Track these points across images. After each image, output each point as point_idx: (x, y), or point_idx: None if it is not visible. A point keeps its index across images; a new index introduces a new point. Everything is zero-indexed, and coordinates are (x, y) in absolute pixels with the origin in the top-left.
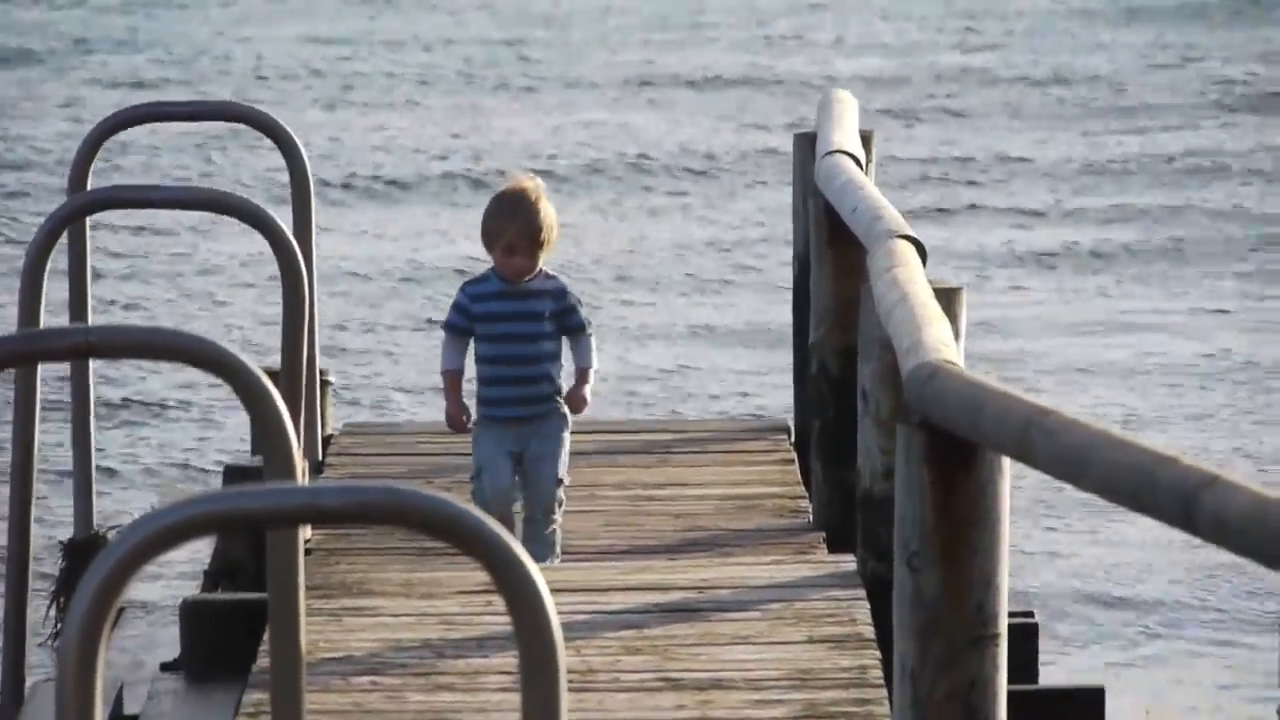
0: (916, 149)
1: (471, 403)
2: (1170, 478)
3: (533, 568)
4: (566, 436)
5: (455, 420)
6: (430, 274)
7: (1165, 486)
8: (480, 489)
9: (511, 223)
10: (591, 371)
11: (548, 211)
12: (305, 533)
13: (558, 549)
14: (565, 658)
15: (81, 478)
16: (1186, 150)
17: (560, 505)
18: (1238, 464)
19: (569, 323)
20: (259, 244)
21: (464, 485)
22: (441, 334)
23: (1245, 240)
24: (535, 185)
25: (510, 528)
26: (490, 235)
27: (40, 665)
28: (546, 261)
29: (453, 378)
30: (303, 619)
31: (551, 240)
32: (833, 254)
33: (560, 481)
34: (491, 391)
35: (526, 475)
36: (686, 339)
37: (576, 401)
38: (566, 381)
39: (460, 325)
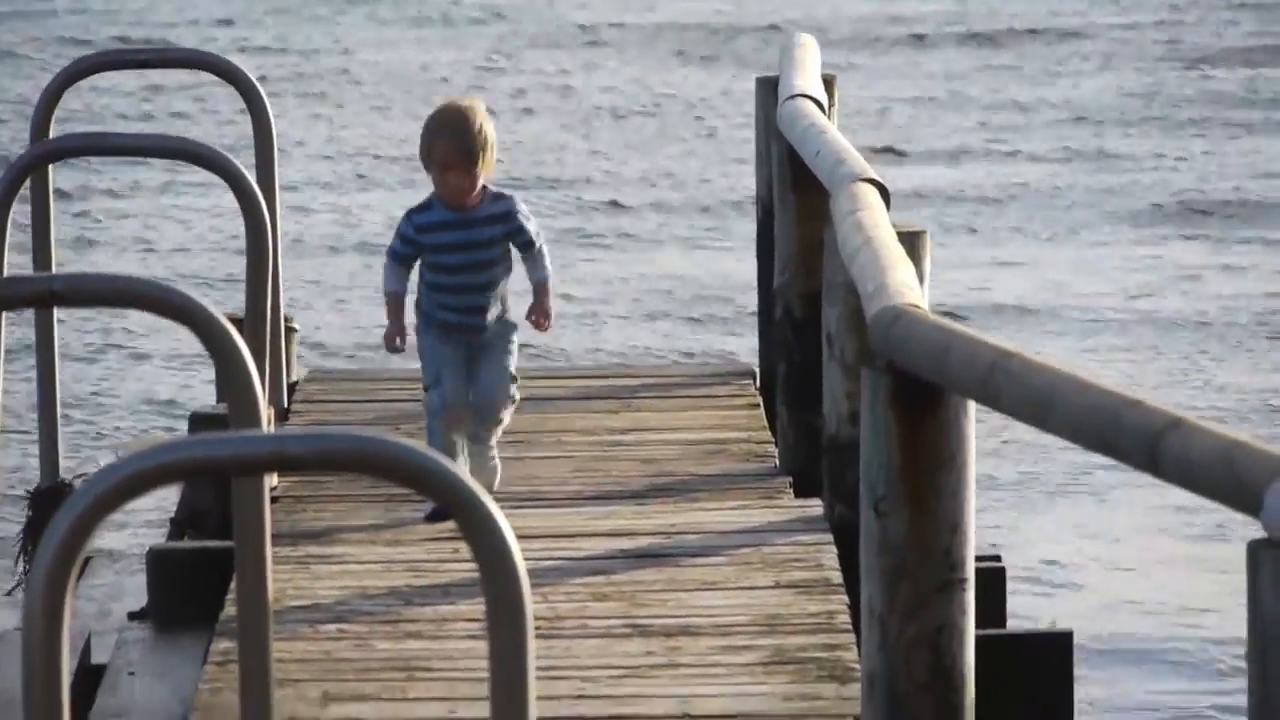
0: None
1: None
2: (1135, 420)
3: (499, 514)
4: (515, 340)
5: (389, 340)
6: None
7: (1130, 429)
8: (438, 393)
9: (446, 139)
10: (547, 284)
11: (485, 127)
12: (271, 480)
13: (499, 471)
14: (532, 605)
15: (46, 426)
16: None
17: (514, 404)
18: None
19: (520, 240)
20: (225, 194)
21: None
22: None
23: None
24: (473, 102)
25: (456, 436)
26: (426, 153)
27: (8, 614)
28: (487, 178)
29: (395, 298)
30: (269, 567)
31: (489, 157)
32: (796, 198)
33: (514, 378)
34: (438, 309)
35: (475, 376)
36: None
37: (538, 319)
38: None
39: (405, 253)
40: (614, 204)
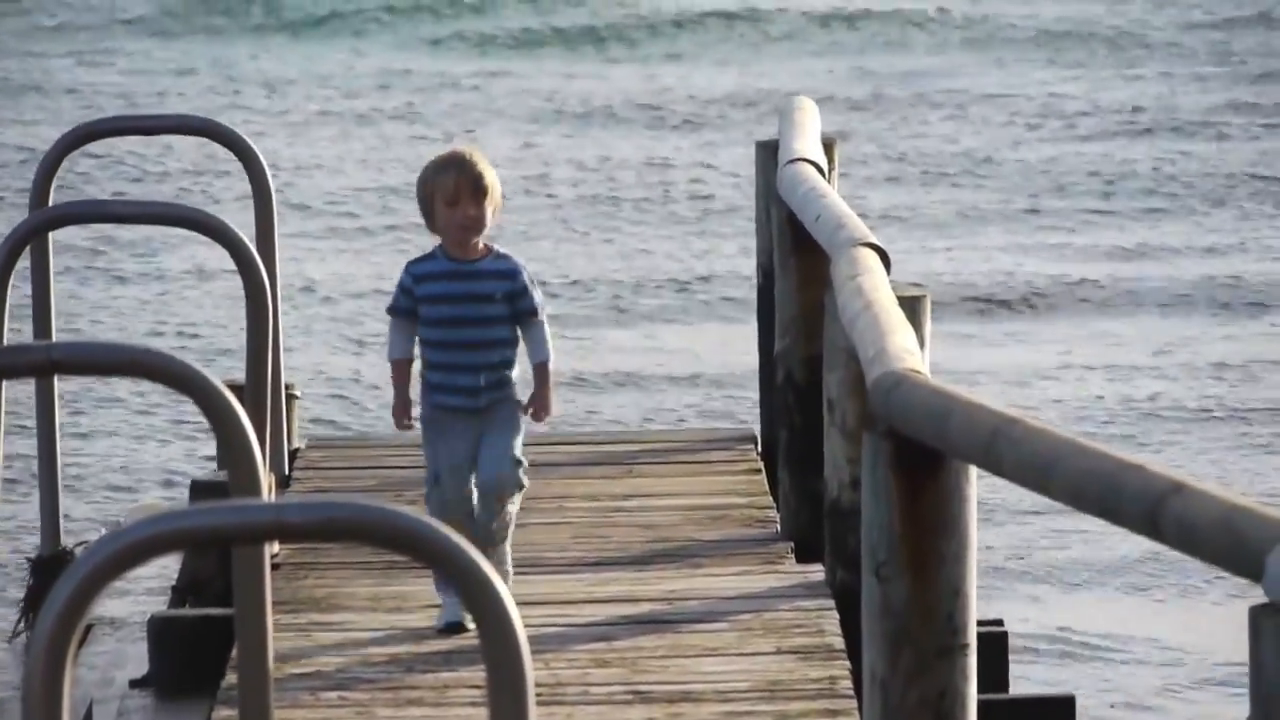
0: None
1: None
2: (1136, 485)
3: (500, 583)
4: (521, 421)
5: (397, 417)
6: None
7: (1131, 494)
8: (437, 496)
9: (454, 174)
10: (550, 367)
11: (490, 171)
12: (272, 548)
13: (509, 565)
14: (533, 672)
15: (48, 494)
16: None
17: (520, 490)
18: None
19: (521, 306)
20: (224, 258)
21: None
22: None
23: None
24: (473, 148)
25: (467, 536)
26: (429, 195)
27: (10, 682)
28: (492, 234)
29: (400, 366)
30: (270, 634)
31: (496, 196)
32: (796, 262)
33: (519, 462)
34: (438, 377)
35: (482, 474)
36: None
37: (540, 408)
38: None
39: (405, 307)
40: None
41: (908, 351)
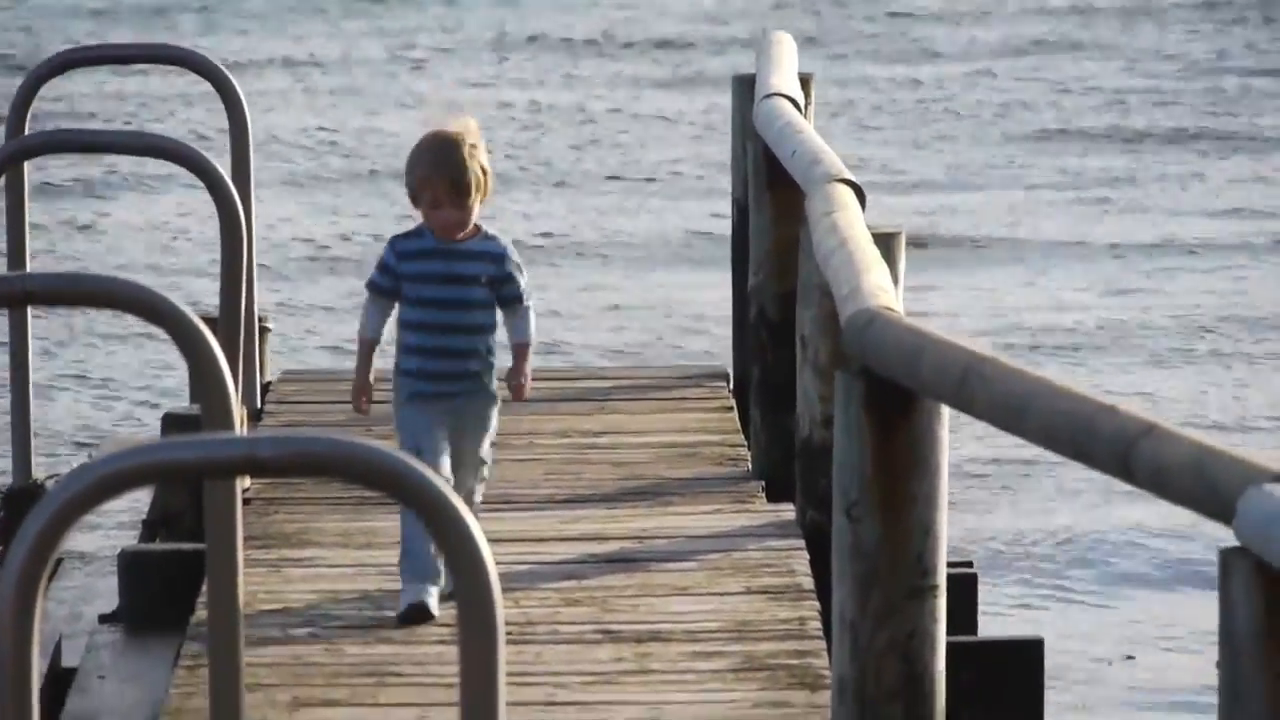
0: None
1: (378, 378)
2: (1109, 426)
3: (472, 520)
4: (494, 415)
5: (355, 397)
6: None
7: (1103, 435)
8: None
9: (435, 171)
10: (530, 349)
11: (478, 157)
12: (244, 483)
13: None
14: (503, 609)
15: (19, 426)
16: None
17: (485, 481)
18: None
19: (506, 292)
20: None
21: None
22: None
23: None
24: (465, 127)
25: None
26: (414, 187)
27: None
28: (482, 214)
29: (367, 346)
30: (241, 570)
31: (484, 189)
32: (771, 198)
33: (484, 463)
34: (414, 362)
35: (457, 465)
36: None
37: (516, 386)
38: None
39: (385, 286)
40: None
41: (882, 289)
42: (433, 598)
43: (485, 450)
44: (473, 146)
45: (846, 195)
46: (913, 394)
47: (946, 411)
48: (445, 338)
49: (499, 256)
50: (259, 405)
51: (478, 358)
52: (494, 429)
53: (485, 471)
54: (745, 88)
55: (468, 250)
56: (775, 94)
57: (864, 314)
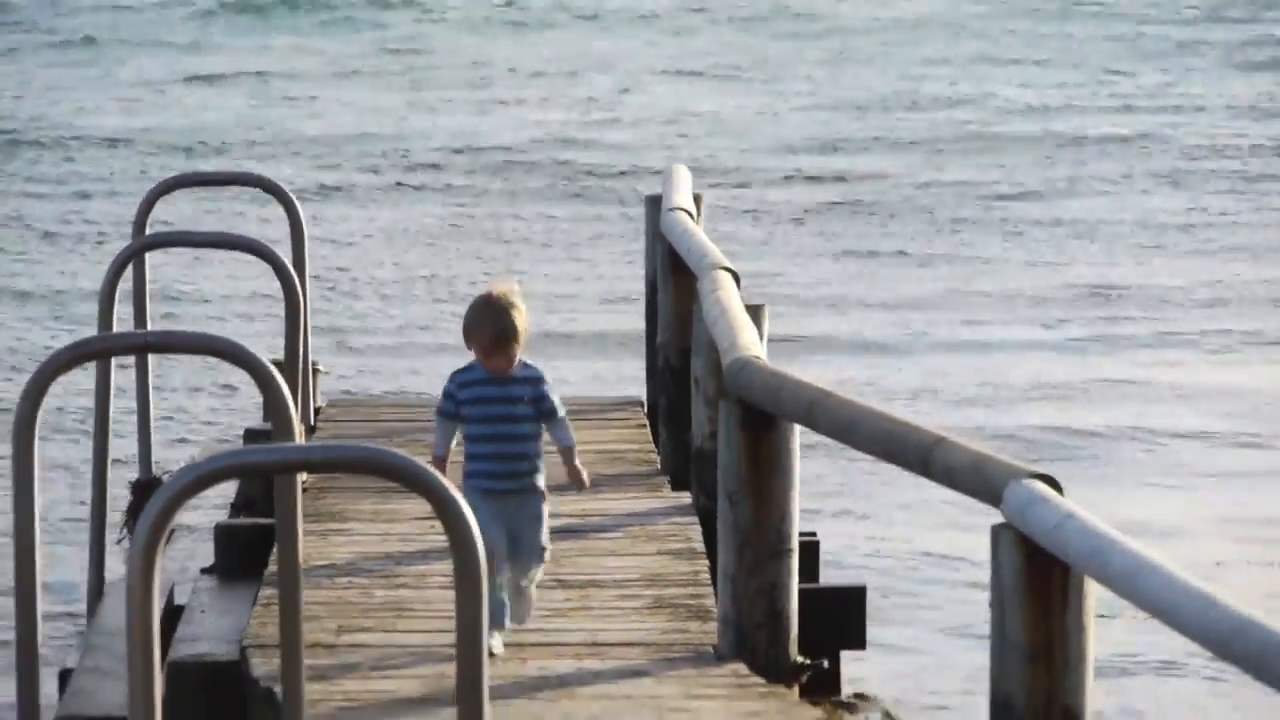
0: None
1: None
2: (912, 439)
3: (464, 504)
4: (545, 510)
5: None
6: None
7: (909, 445)
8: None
9: (484, 328)
10: (573, 450)
11: (518, 315)
12: (303, 477)
13: (533, 605)
14: (485, 567)
15: (143, 436)
16: None
17: (542, 565)
18: None
19: (544, 408)
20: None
21: (416, 444)
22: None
23: None
24: (508, 290)
25: (501, 612)
26: (468, 335)
27: (116, 571)
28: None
29: (439, 463)
30: (300, 538)
31: (521, 340)
32: (674, 280)
33: (544, 549)
34: (478, 465)
35: (515, 547)
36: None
37: (578, 481)
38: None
39: (449, 411)
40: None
41: (752, 345)
42: (497, 641)
43: (544, 538)
44: (514, 305)
45: (726, 278)
46: (773, 417)
47: (798, 429)
48: (501, 445)
49: (536, 380)
50: (313, 423)
51: (526, 460)
52: (547, 520)
53: (545, 556)
54: (655, 204)
55: (513, 378)
56: (676, 208)
57: (739, 361)
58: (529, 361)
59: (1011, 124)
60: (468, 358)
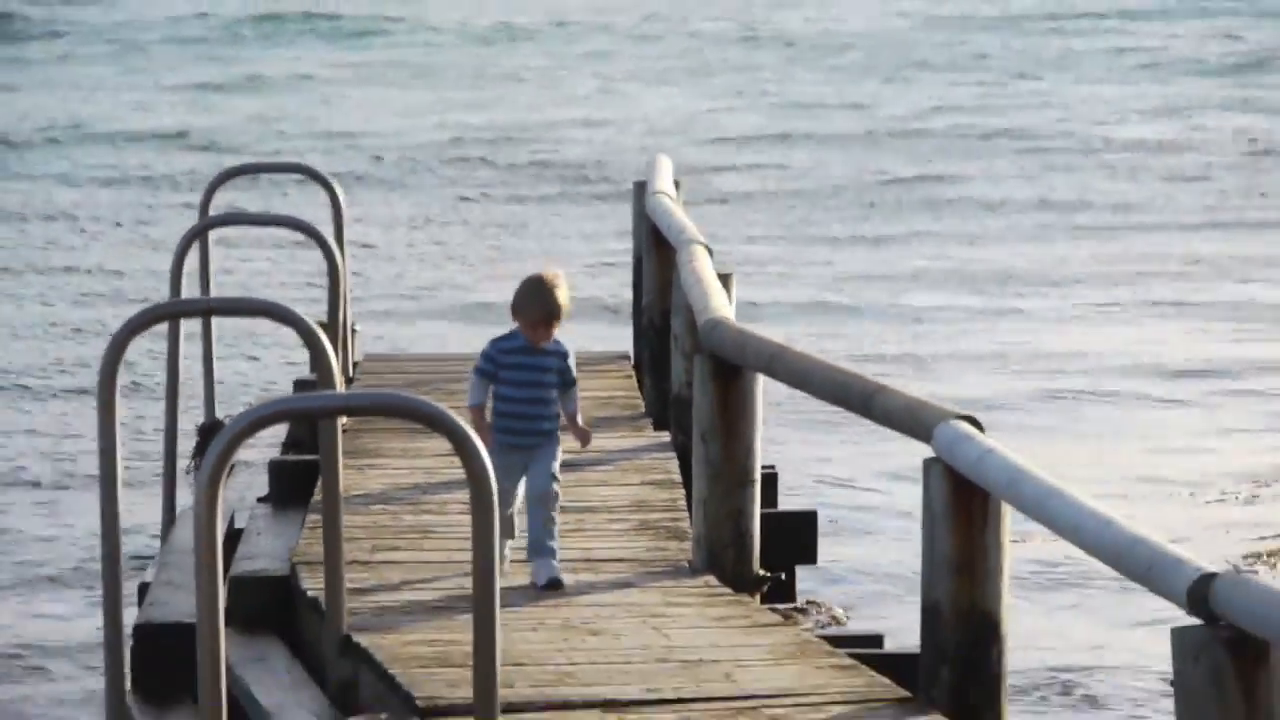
0: None
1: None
2: (856, 386)
3: (479, 442)
4: (559, 452)
5: (481, 435)
6: None
7: (854, 392)
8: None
9: (535, 307)
10: (577, 415)
11: (564, 298)
12: (342, 420)
13: (556, 542)
14: (496, 496)
15: (209, 386)
16: None
17: (556, 500)
18: None
19: (566, 379)
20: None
21: (438, 393)
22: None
23: None
24: (556, 275)
25: (510, 527)
26: (518, 311)
27: (185, 501)
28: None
29: (476, 411)
30: (340, 471)
31: (563, 318)
32: (656, 253)
33: (554, 478)
34: (507, 422)
35: (530, 485)
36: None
37: (582, 439)
38: None
39: (488, 371)
40: None
41: (722, 307)
42: (507, 548)
43: (555, 468)
44: (560, 288)
45: (701, 251)
46: (740, 369)
47: (761, 378)
48: (529, 406)
49: (564, 356)
50: (351, 375)
51: (547, 419)
52: (559, 456)
53: (557, 486)
54: (641, 188)
55: (546, 350)
56: (659, 191)
57: (711, 321)
58: (558, 338)
59: (930, 120)
60: (476, 321)
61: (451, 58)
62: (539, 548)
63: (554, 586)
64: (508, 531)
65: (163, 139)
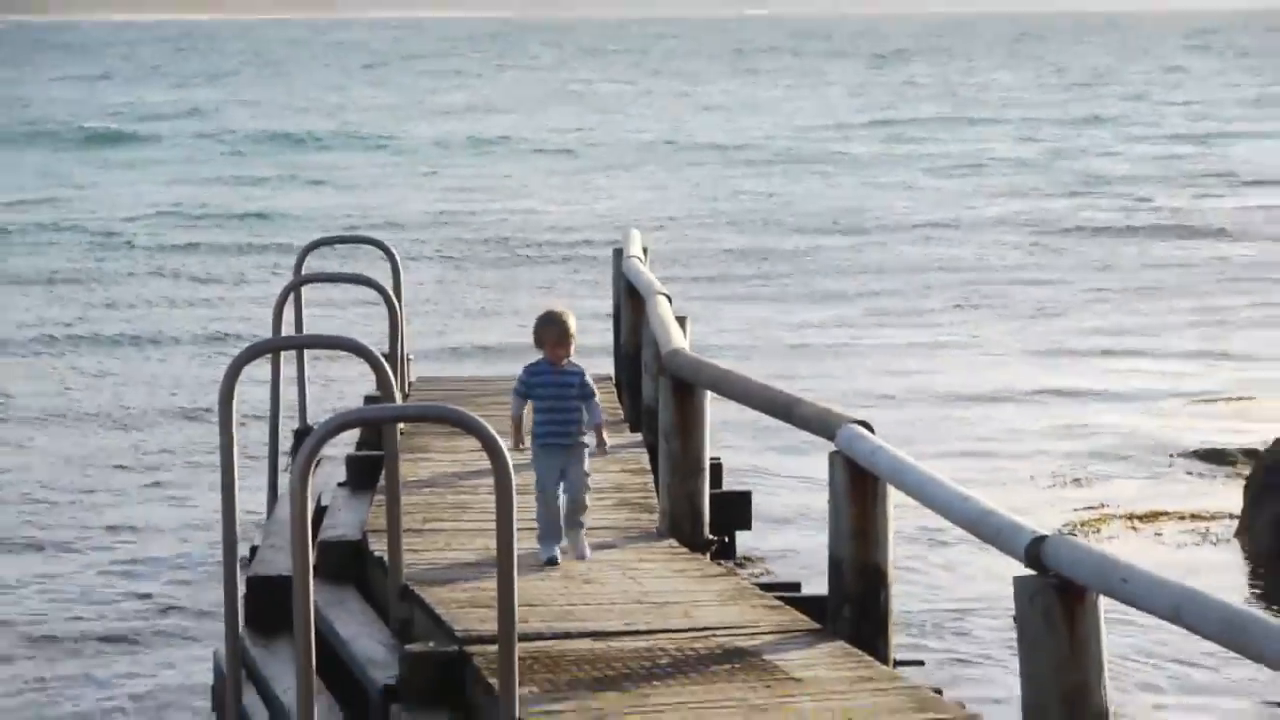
0: None
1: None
2: (780, 398)
3: (502, 444)
4: (587, 455)
5: (516, 441)
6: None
7: (779, 403)
8: (542, 493)
9: (551, 330)
10: (601, 426)
11: (571, 324)
12: (400, 426)
13: (585, 529)
14: (514, 484)
15: (301, 400)
16: None
17: (586, 509)
18: None
19: (585, 392)
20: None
21: (472, 404)
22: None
23: None
24: (564, 309)
25: (557, 516)
26: (539, 339)
27: (283, 486)
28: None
29: (515, 420)
30: (400, 463)
31: (574, 338)
32: (631, 302)
33: (587, 486)
34: (542, 430)
35: (569, 485)
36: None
37: (601, 449)
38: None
39: (521, 391)
40: None
41: (680, 341)
42: (557, 552)
43: (587, 469)
44: (568, 317)
45: (664, 300)
46: (694, 386)
47: (709, 394)
48: (558, 415)
49: (580, 374)
50: (407, 392)
51: (573, 425)
52: (588, 463)
53: (589, 483)
54: (618, 254)
55: (566, 371)
56: (632, 256)
57: (672, 351)
58: (575, 361)
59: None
60: (491, 353)
61: (436, 161)
62: (548, 533)
63: (553, 564)
64: (555, 535)
65: (249, 218)
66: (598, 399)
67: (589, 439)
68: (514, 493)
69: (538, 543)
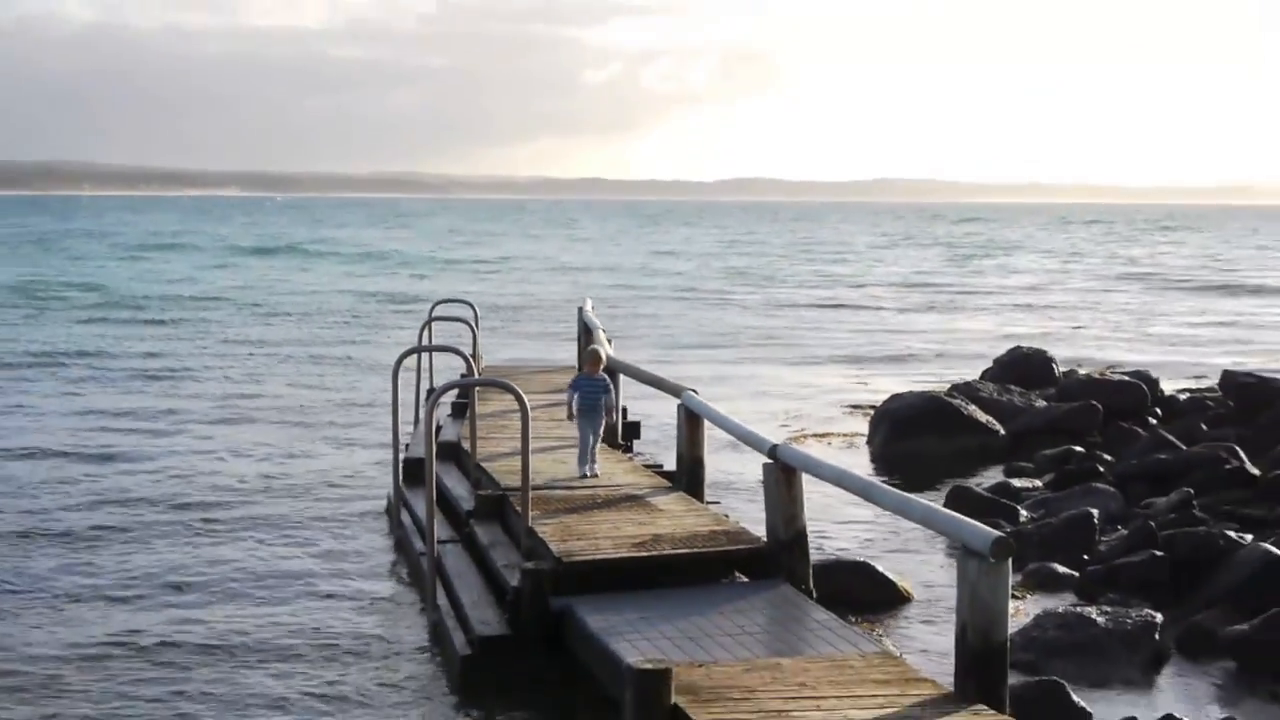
0: None
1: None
2: (667, 386)
3: (527, 401)
4: (604, 421)
5: (569, 416)
6: None
7: (653, 379)
8: (582, 439)
9: (587, 356)
10: (614, 410)
11: (603, 352)
12: (477, 390)
13: (598, 461)
14: (531, 425)
15: (430, 377)
16: None
17: (600, 440)
18: None
19: (605, 390)
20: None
21: (526, 382)
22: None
23: None
24: (596, 346)
25: (587, 450)
26: (582, 361)
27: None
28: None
29: (568, 404)
30: (477, 406)
31: (603, 362)
32: (585, 337)
33: (599, 437)
34: (583, 406)
35: (594, 435)
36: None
37: (608, 415)
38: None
39: (572, 391)
40: None
41: (610, 350)
42: (587, 470)
43: (601, 430)
44: (600, 347)
45: (602, 333)
46: (615, 373)
47: (621, 376)
48: (589, 399)
49: (604, 380)
50: (480, 372)
51: (600, 408)
52: (603, 426)
53: (603, 429)
54: (579, 309)
55: (597, 380)
56: (585, 310)
57: (611, 357)
58: (603, 373)
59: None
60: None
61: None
62: (593, 463)
63: (594, 475)
64: (585, 460)
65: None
66: (612, 395)
67: (604, 412)
68: (529, 422)
69: (578, 463)
